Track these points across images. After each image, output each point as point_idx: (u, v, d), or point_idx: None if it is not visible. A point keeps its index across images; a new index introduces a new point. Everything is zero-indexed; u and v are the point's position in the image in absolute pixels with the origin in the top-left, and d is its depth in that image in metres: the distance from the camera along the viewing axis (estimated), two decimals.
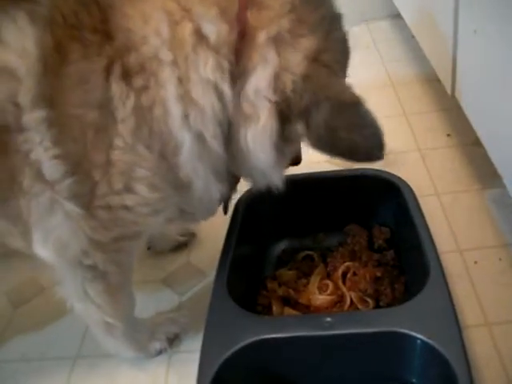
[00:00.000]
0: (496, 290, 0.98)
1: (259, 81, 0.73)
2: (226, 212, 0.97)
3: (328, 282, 0.97)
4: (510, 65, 0.91)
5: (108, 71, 0.70)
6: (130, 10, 0.70)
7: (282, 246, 1.10)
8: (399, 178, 1.04)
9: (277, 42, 0.72)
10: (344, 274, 0.98)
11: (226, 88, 0.72)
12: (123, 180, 0.74)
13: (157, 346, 0.98)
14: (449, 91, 1.25)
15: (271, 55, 0.72)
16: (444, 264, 0.89)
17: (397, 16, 1.79)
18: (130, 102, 0.71)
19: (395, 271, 0.98)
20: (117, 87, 0.70)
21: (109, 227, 0.78)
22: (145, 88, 0.71)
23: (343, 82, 0.78)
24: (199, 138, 0.74)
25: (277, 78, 0.73)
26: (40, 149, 0.69)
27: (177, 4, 0.71)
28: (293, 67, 0.73)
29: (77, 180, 0.72)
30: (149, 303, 1.06)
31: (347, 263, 0.99)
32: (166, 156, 0.75)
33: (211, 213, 0.91)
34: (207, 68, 0.71)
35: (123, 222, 0.78)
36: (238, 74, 0.73)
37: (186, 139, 0.74)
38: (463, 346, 0.76)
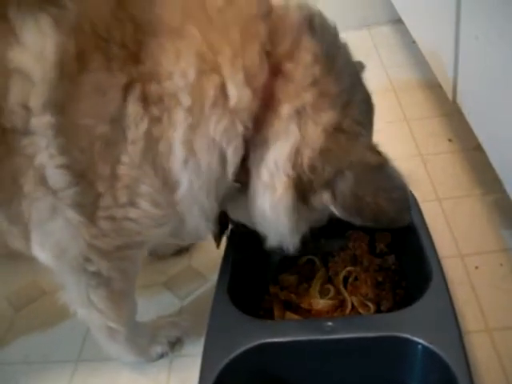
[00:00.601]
0: (497, 296, 0.98)
1: (278, 154, 0.74)
2: (218, 246, 0.96)
3: (329, 286, 0.97)
4: (510, 71, 0.91)
5: (127, 89, 0.69)
6: (168, 43, 0.70)
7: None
8: None
9: (299, 116, 0.73)
10: (345, 279, 0.98)
11: (231, 152, 0.73)
12: (128, 194, 0.74)
13: (158, 349, 0.98)
14: (450, 97, 1.25)
15: (292, 130, 0.73)
16: (445, 269, 0.88)
17: (398, 21, 1.79)
18: (143, 126, 0.71)
19: (396, 276, 0.98)
20: (133, 107, 0.70)
21: (112, 236, 0.78)
22: (158, 119, 0.71)
23: (366, 142, 0.77)
24: (192, 187, 0.75)
25: (296, 153, 0.73)
26: (45, 154, 0.69)
27: (211, 53, 0.71)
28: (312, 142, 0.73)
29: (80, 190, 0.72)
30: (150, 307, 1.06)
31: (349, 268, 0.99)
32: (167, 185, 0.76)
33: (199, 239, 0.92)
34: (217, 128, 0.71)
35: (128, 232, 0.79)
36: (258, 141, 0.74)
37: (184, 181, 0.75)
38: (464, 351, 0.76)
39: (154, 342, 0.98)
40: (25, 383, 0.99)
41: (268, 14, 0.74)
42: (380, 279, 0.96)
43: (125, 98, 0.70)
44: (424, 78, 1.60)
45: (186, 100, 0.70)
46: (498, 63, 0.96)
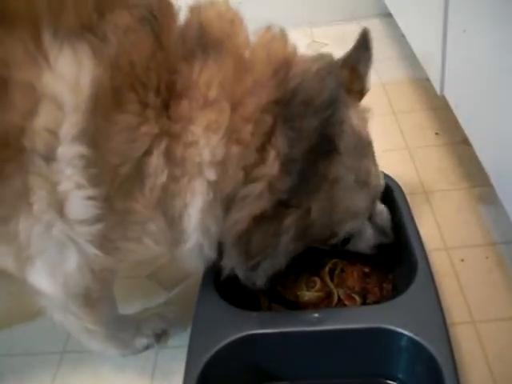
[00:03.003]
0: (482, 288, 0.99)
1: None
2: None
3: (316, 278, 0.97)
4: (498, 64, 0.92)
5: (155, 140, 0.70)
6: (199, 111, 0.72)
7: None
8: (388, 176, 1.04)
9: (243, 200, 0.76)
10: (331, 271, 0.98)
11: (221, 221, 0.79)
12: (137, 231, 0.76)
13: (144, 341, 0.98)
14: (438, 90, 1.25)
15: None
16: (431, 262, 0.89)
17: (388, 15, 1.79)
18: (161, 179, 0.73)
19: (383, 269, 0.99)
20: (157, 160, 0.71)
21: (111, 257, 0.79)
22: (177, 179, 0.74)
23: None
24: (201, 246, 0.81)
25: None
26: (70, 183, 0.67)
27: (237, 144, 0.74)
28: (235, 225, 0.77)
29: (106, 224, 0.72)
30: (136, 298, 1.06)
31: (335, 260, 0.99)
32: (172, 230, 0.78)
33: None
34: (218, 210, 0.77)
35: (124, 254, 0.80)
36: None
37: (193, 239, 0.79)
38: (449, 342, 0.76)
39: (140, 333, 0.98)
40: (9, 376, 0.98)
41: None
42: (367, 271, 0.96)
43: (151, 148, 0.71)
44: (412, 72, 1.60)
45: (210, 175, 0.74)
46: (486, 57, 0.96)
